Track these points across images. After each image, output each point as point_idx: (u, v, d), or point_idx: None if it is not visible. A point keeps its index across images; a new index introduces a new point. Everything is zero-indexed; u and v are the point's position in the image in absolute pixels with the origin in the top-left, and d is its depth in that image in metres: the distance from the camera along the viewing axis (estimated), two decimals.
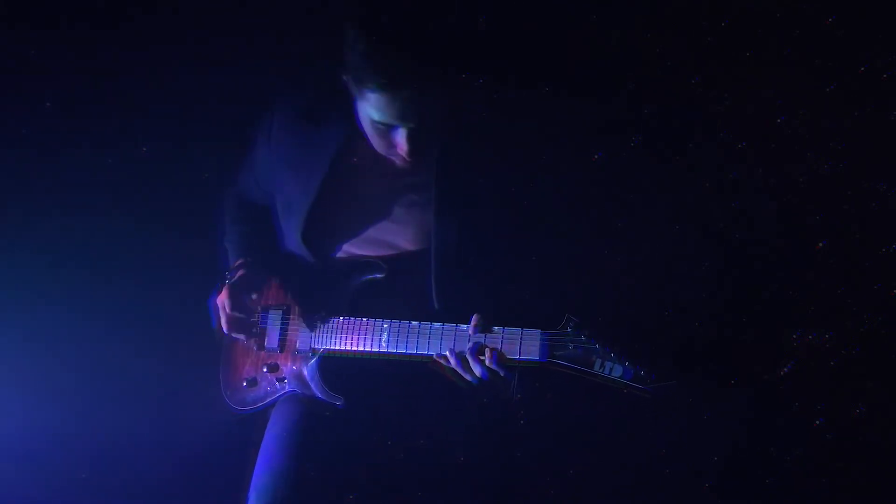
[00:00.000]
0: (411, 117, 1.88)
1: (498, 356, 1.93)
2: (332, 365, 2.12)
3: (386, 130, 1.93)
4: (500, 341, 1.91)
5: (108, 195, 2.50)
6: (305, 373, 2.14)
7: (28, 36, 2.37)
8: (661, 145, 2.34)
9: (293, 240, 2.16)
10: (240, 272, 2.21)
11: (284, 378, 2.19)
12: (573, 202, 2.18)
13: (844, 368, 2.25)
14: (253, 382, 2.24)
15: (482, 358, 1.94)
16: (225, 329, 2.20)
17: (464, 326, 1.95)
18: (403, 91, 1.84)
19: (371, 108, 1.88)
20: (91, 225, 2.49)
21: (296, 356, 2.18)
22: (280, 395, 2.20)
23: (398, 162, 2.01)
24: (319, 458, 2.07)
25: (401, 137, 1.92)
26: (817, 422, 2.27)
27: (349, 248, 2.13)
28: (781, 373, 2.28)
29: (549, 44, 2.37)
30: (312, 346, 2.15)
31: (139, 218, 2.52)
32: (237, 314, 2.17)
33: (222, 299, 2.18)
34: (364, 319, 2.07)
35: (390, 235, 2.10)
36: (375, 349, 2.04)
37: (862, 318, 2.25)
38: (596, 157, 2.32)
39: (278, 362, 2.21)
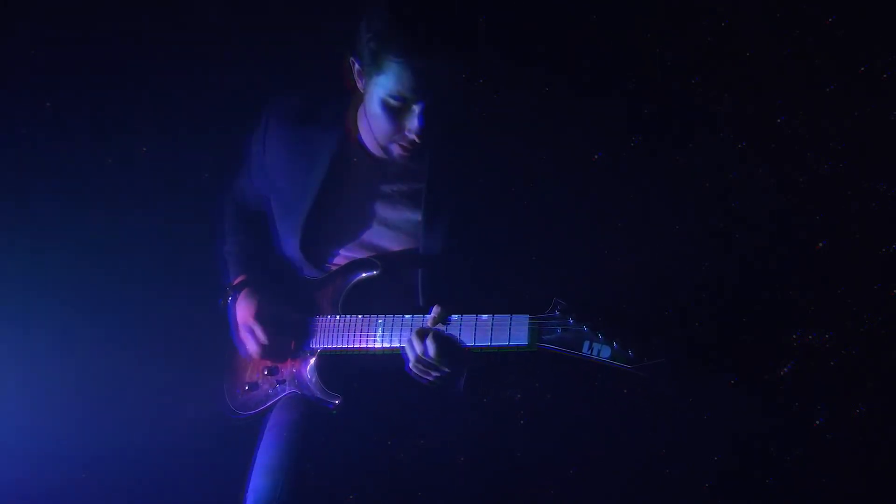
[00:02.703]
0: (429, 92, 1.87)
1: (434, 337, 1.92)
2: (330, 364, 2.12)
3: (400, 109, 1.91)
4: (488, 328, 1.90)
5: (109, 196, 2.50)
6: (304, 373, 2.14)
7: (27, 36, 2.37)
8: (659, 145, 2.35)
9: (290, 245, 2.16)
10: (245, 292, 2.22)
11: (284, 380, 2.19)
12: (563, 201, 2.18)
13: (844, 368, 2.25)
14: (254, 386, 2.24)
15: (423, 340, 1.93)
16: (256, 355, 2.22)
17: (455, 317, 1.95)
18: (426, 61, 1.84)
19: (390, 80, 1.86)
20: (92, 227, 2.49)
21: (294, 357, 2.18)
22: (279, 398, 2.20)
23: (400, 151, 2.00)
24: (317, 459, 2.07)
25: (414, 116, 1.90)
26: (817, 422, 2.27)
27: (345, 253, 2.13)
28: (781, 373, 2.27)
29: (544, 44, 2.38)
30: (310, 346, 2.15)
31: (140, 220, 2.52)
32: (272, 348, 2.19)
33: (256, 333, 2.19)
34: (359, 317, 2.07)
35: (384, 240, 2.10)
36: (371, 345, 2.04)
37: (862, 319, 2.25)
38: (595, 157, 2.32)
39: (277, 364, 2.21)
